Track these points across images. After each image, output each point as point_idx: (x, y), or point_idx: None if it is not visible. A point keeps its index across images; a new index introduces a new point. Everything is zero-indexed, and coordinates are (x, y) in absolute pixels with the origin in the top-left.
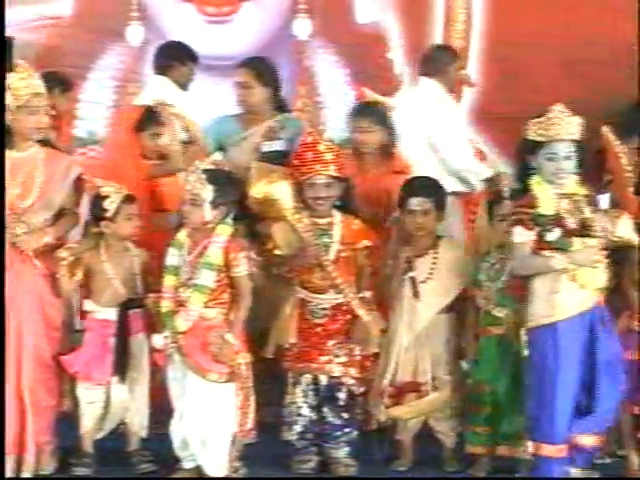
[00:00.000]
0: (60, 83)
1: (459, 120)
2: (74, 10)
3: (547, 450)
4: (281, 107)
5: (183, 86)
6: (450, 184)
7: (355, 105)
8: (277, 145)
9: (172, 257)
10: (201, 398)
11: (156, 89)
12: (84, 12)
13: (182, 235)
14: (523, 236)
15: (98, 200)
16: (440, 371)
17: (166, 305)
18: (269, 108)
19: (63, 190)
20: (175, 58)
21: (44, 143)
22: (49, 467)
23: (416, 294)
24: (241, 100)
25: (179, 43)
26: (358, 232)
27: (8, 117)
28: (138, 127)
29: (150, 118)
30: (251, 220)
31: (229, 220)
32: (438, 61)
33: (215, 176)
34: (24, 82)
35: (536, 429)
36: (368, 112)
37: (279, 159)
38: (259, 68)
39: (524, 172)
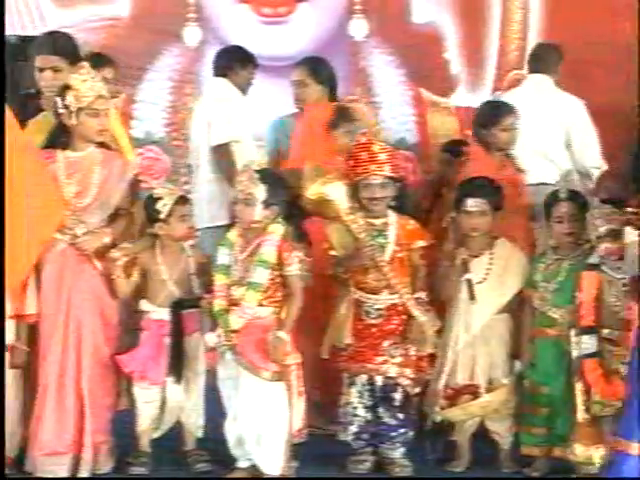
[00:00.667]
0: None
1: (585, 115)
2: (132, 11)
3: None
4: None
5: (243, 89)
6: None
7: (499, 103)
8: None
9: (223, 256)
10: (255, 396)
11: (216, 91)
12: (142, 13)
13: (232, 234)
14: (633, 236)
15: (151, 202)
16: (496, 372)
17: (218, 303)
18: None
19: (119, 191)
20: (236, 61)
21: (101, 144)
22: (106, 466)
23: (472, 297)
24: (297, 98)
25: (240, 47)
26: (413, 232)
27: (69, 118)
28: (331, 125)
29: (342, 116)
30: (300, 221)
31: (281, 220)
32: (546, 58)
33: (267, 176)
34: (87, 84)
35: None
36: (513, 110)
37: None
38: (314, 66)
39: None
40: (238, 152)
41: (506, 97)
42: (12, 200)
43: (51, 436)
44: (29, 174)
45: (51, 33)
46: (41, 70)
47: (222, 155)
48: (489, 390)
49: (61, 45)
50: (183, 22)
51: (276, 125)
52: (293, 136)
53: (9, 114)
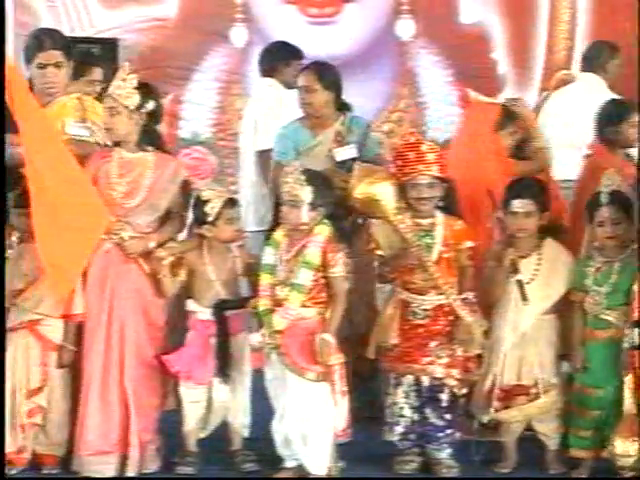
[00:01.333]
0: None
1: None
2: (179, 12)
3: None
4: (342, 109)
5: (290, 86)
6: None
7: (624, 100)
8: (349, 152)
9: (268, 256)
10: (300, 397)
11: (262, 91)
12: (189, 14)
13: (278, 234)
14: None
15: (199, 204)
16: (545, 373)
17: (263, 303)
18: (332, 111)
19: (170, 193)
20: (279, 59)
21: (155, 146)
22: (153, 466)
23: (525, 298)
24: (304, 103)
25: (282, 43)
26: (461, 233)
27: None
28: (498, 125)
29: (509, 116)
30: (344, 222)
31: (326, 221)
32: (598, 57)
33: (313, 177)
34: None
35: None
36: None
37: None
38: (321, 71)
39: None
40: None
41: (555, 96)
42: (47, 211)
43: (96, 435)
44: (68, 182)
45: (44, 30)
46: (42, 67)
47: (267, 160)
48: (544, 391)
49: (58, 41)
50: (230, 23)
51: (291, 132)
52: (455, 138)
53: (48, 118)
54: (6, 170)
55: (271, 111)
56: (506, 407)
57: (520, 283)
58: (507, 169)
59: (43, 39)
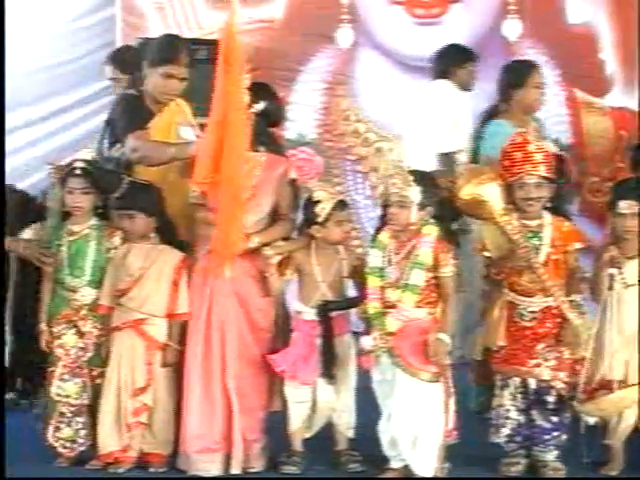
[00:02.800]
0: None
1: None
2: (285, 13)
3: None
4: None
5: (465, 87)
6: None
7: None
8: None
9: (375, 258)
10: (412, 398)
11: (437, 94)
12: (295, 15)
13: (384, 236)
14: None
15: (310, 204)
16: None
17: (374, 306)
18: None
19: (276, 194)
20: (454, 61)
21: (267, 146)
22: (258, 465)
23: (611, 287)
24: (534, 100)
25: (454, 46)
26: (569, 234)
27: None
28: None
29: None
30: (450, 222)
31: (433, 220)
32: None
33: (422, 177)
34: None
35: None
36: None
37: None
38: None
39: None
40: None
41: None
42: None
43: (200, 434)
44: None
45: (182, 41)
46: (168, 77)
47: (450, 161)
48: (621, 387)
49: (188, 55)
50: (336, 24)
51: (498, 132)
52: None
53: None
54: (107, 173)
55: (447, 114)
56: (588, 400)
57: (612, 275)
58: None
59: (179, 50)
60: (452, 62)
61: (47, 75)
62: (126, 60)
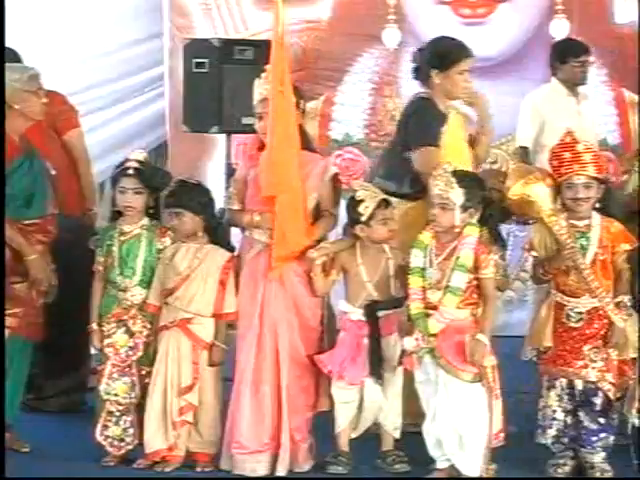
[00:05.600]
0: None
1: None
2: (332, 13)
3: None
4: None
5: (574, 84)
6: None
7: None
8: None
9: (417, 258)
10: (456, 398)
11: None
12: (342, 15)
13: (426, 236)
14: None
15: (353, 204)
16: None
17: (416, 307)
18: None
19: (318, 191)
20: (556, 58)
21: (304, 146)
22: (305, 465)
23: None
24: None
25: (563, 41)
26: (617, 235)
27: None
28: None
29: None
30: (495, 223)
31: (475, 221)
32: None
33: (464, 179)
34: (260, 88)
35: None
36: None
37: None
38: None
39: None
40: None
41: None
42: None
43: (249, 435)
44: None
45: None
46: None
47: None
48: None
49: None
50: (383, 24)
51: None
52: None
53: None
54: (159, 172)
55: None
56: None
57: None
58: None
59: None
60: (555, 59)
61: (96, 64)
62: None
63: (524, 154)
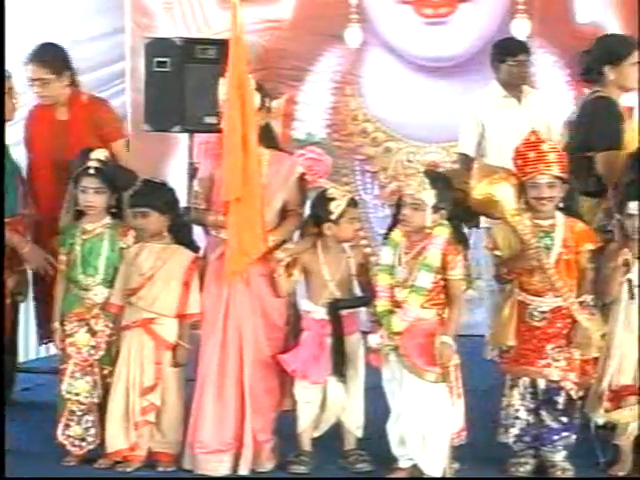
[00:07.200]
0: None
1: None
2: (294, 13)
3: None
4: None
5: (515, 84)
6: None
7: None
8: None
9: (387, 256)
10: (419, 398)
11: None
12: (304, 15)
13: (397, 235)
14: None
15: (324, 202)
16: None
17: (382, 304)
18: None
19: (285, 190)
20: (495, 58)
21: (270, 145)
22: (268, 465)
23: (632, 296)
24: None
25: (501, 41)
26: (581, 235)
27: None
28: None
29: None
30: (461, 223)
31: (445, 222)
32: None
33: (437, 180)
34: (225, 87)
35: None
36: None
37: None
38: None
39: None
40: None
41: None
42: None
43: (212, 434)
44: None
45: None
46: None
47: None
48: None
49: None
50: (345, 23)
51: None
52: None
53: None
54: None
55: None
56: (617, 408)
57: (630, 281)
58: None
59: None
60: (493, 59)
61: None
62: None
63: (464, 160)
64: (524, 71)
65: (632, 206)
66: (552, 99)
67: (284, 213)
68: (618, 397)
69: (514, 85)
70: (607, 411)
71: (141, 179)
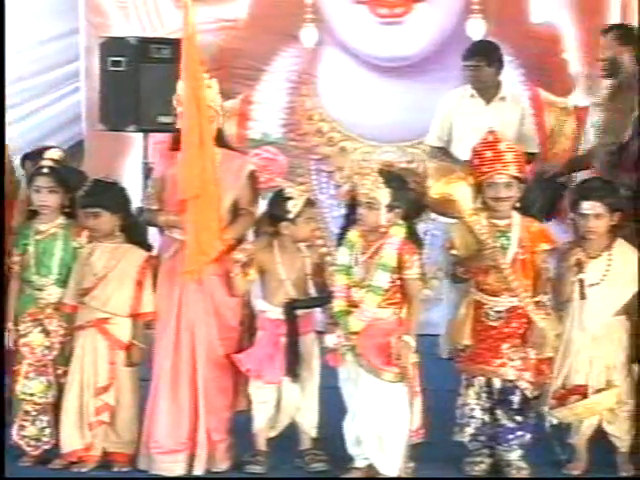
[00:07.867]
0: None
1: None
2: (249, 12)
3: None
4: None
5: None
6: None
7: None
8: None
9: (343, 256)
10: (376, 397)
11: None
12: (259, 15)
13: (353, 235)
14: None
15: (281, 201)
16: (613, 375)
17: (339, 304)
18: None
19: (235, 189)
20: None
21: (221, 144)
22: (223, 465)
23: (583, 296)
24: (475, 80)
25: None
26: (537, 235)
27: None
28: None
29: None
30: (418, 223)
31: (401, 222)
32: None
33: (391, 179)
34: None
35: None
36: None
37: None
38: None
39: None
40: None
41: None
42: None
43: (166, 434)
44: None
45: None
46: None
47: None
48: (598, 392)
49: None
50: (300, 23)
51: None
52: None
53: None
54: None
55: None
56: (560, 406)
57: (581, 281)
58: None
59: None
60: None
61: (11, 61)
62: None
63: (434, 152)
64: (475, 75)
65: (585, 206)
66: (523, 103)
67: (236, 212)
68: (564, 396)
69: (480, 87)
70: (551, 408)
71: (92, 179)
